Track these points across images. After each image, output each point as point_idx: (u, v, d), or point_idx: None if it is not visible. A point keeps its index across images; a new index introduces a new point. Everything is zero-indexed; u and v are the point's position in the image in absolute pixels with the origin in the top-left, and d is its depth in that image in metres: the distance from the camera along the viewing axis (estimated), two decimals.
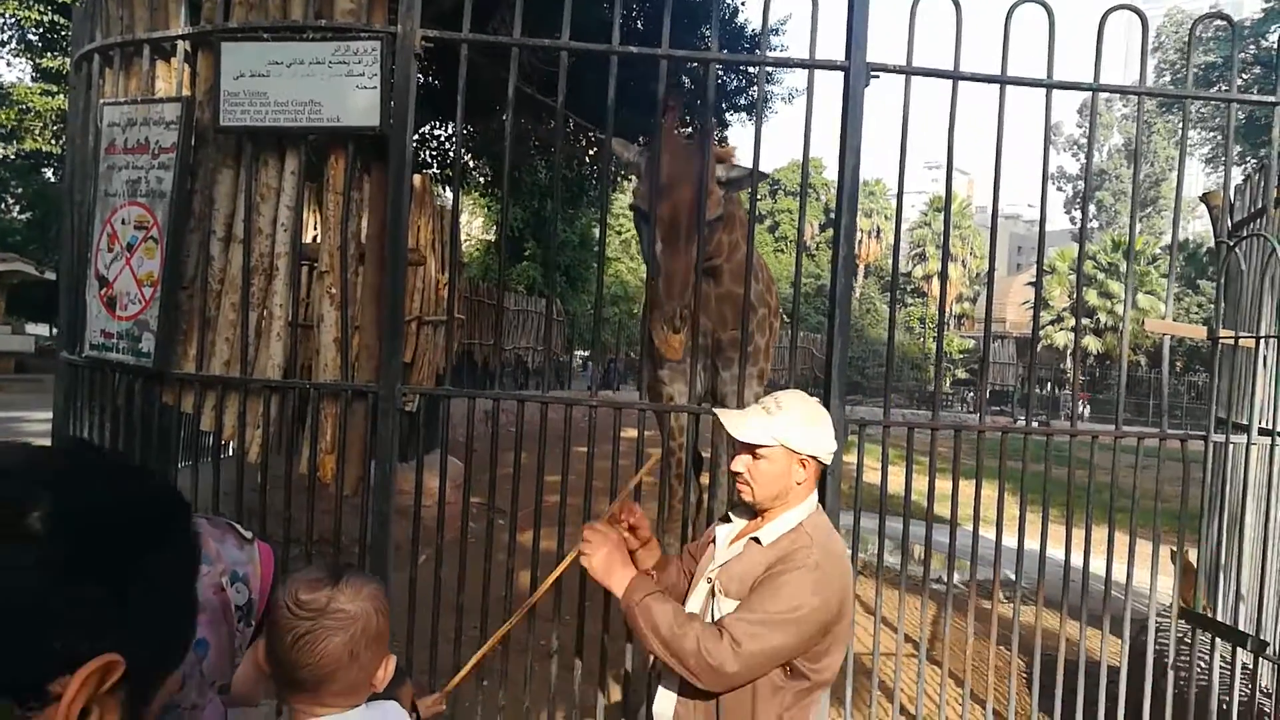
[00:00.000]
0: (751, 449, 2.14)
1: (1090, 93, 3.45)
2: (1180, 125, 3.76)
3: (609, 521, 2.43)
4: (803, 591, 2.03)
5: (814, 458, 2.16)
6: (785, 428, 2.12)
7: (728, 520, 2.35)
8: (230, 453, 4.67)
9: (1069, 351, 35.84)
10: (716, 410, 2.41)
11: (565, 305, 25.42)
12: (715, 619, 2.12)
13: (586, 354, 35.58)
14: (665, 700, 2.24)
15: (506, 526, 3.38)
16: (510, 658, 3.41)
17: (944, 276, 3.60)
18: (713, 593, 2.20)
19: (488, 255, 26.34)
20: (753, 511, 2.25)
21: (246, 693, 1.57)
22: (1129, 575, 3.60)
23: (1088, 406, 29.06)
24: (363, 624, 1.44)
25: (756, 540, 2.17)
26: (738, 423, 2.16)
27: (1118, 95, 3.47)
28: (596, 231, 26.72)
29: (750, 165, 3.60)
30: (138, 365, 3.43)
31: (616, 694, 3.51)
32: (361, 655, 1.44)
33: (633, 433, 3.51)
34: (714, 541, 2.33)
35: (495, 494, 3.91)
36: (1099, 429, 3.67)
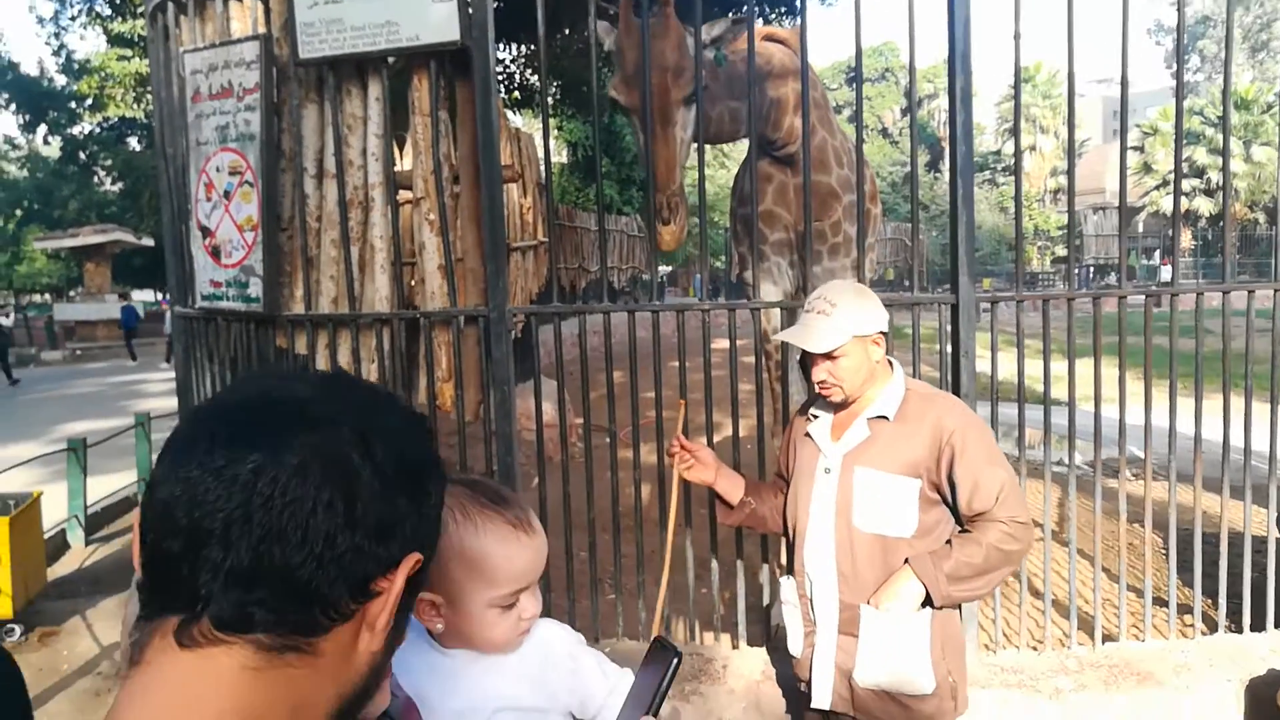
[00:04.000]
0: (828, 354, 2.13)
1: None
2: None
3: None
4: (971, 415, 2.22)
5: (881, 333, 2.17)
6: (848, 319, 2.11)
7: (813, 418, 2.32)
8: None
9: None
10: (780, 335, 2.39)
11: (643, 220, 25.12)
12: (855, 492, 2.16)
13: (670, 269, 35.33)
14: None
15: (608, 445, 3.34)
16: (647, 569, 3.41)
17: (1071, 134, 3.32)
18: (830, 471, 2.21)
19: (561, 177, 26.21)
20: (838, 406, 2.25)
21: None
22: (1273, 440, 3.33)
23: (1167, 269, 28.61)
24: None
25: (883, 418, 2.18)
26: (808, 336, 2.15)
27: None
28: None
29: (733, 19, 3.48)
30: (248, 311, 3.46)
31: (752, 592, 3.48)
32: None
33: (723, 343, 3.39)
34: (809, 436, 2.31)
35: (594, 413, 3.86)
36: (1257, 284, 3.36)
